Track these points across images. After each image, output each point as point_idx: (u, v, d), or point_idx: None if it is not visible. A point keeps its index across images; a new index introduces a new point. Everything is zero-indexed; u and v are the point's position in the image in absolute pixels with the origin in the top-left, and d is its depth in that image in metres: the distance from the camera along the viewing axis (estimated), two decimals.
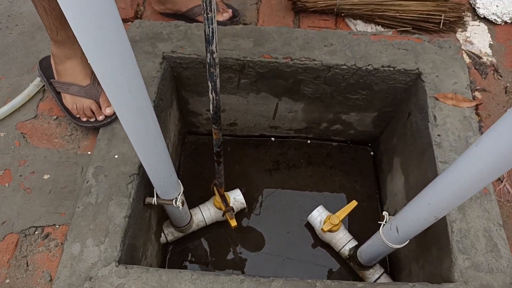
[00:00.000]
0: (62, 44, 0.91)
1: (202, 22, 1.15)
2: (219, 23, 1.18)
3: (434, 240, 0.98)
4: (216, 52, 0.64)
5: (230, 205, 1.28)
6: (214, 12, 0.57)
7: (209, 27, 0.59)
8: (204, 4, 0.56)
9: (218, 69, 0.68)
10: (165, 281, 0.79)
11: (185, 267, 1.29)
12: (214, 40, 0.62)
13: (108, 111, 0.97)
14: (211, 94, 0.73)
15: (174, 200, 0.94)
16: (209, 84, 0.71)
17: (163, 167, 0.80)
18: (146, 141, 0.69)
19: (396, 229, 0.89)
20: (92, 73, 1.00)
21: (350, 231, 1.37)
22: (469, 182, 0.60)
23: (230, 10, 1.21)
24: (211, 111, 0.78)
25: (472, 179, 0.60)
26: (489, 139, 0.55)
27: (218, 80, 0.70)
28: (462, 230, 0.89)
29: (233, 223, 1.24)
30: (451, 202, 0.67)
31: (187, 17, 1.18)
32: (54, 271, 0.82)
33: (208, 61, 0.65)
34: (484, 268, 0.86)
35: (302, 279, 0.82)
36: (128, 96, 0.56)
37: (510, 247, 0.92)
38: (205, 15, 0.57)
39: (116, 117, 1.00)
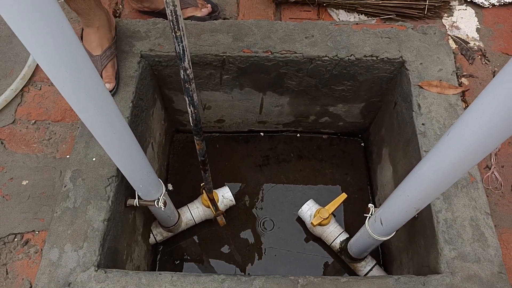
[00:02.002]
0: (79, 14, 0.96)
1: None
2: (198, 18, 1.16)
3: (421, 231, 0.96)
4: (190, 68, 0.63)
5: (219, 202, 1.26)
6: (182, 30, 0.56)
7: (179, 45, 0.58)
8: (171, 23, 0.54)
9: (193, 84, 0.67)
10: (145, 284, 0.78)
11: (177, 267, 1.29)
12: (186, 57, 0.60)
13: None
14: (189, 108, 0.72)
15: (156, 201, 0.93)
16: (186, 99, 0.69)
17: (138, 168, 0.79)
18: (115, 143, 0.67)
19: (380, 222, 0.87)
20: (108, 44, 1.02)
21: (343, 223, 1.36)
22: (443, 173, 0.58)
23: (209, 5, 1.18)
24: (191, 123, 0.77)
25: (446, 170, 0.58)
26: (459, 128, 0.53)
27: (194, 95, 0.69)
28: (447, 220, 0.88)
29: (222, 223, 1.23)
30: (428, 193, 0.66)
31: (165, 14, 1.16)
32: (34, 278, 0.81)
33: (182, 77, 0.64)
34: (471, 258, 0.84)
35: (284, 276, 0.81)
36: (85, 97, 0.54)
37: (498, 236, 0.90)
38: (173, 33, 0.56)
39: (113, 94, 1.01)
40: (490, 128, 0.48)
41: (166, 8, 0.52)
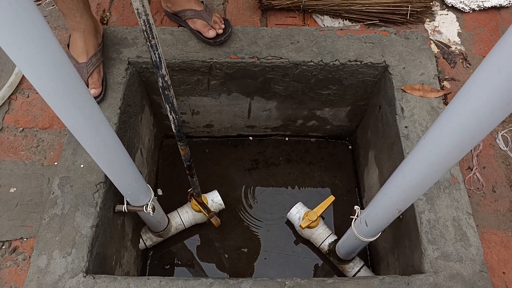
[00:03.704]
0: (65, 15, 0.96)
1: (189, 25, 1.12)
2: (202, 37, 1.10)
3: (405, 231, 0.98)
4: (167, 75, 0.64)
5: (208, 206, 1.27)
6: (156, 38, 0.56)
7: (154, 53, 0.59)
8: (145, 33, 0.55)
9: (172, 90, 0.68)
10: None
11: (167, 272, 1.29)
12: (162, 64, 0.61)
13: (91, 92, 0.99)
14: (170, 114, 0.73)
15: (144, 206, 0.94)
16: (166, 106, 0.70)
17: (126, 175, 0.80)
18: (102, 150, 0.68)
19: (366, 223, 0.89)
20: (93, 51, 1.01)
21: (331, 225, 1.38)
22: (421, 176, 0.60)
23: (222, 27, 1.11)
24: (174, 130, 0.78)
25: (423, 172, 0.60)
26: (434, 132, 0.55)
27: (174, 101, 0.70)
28: (430, 221, 0.90)
29: (217, 224, 1.23)
30: (408, 195, 0.67)
31: (180, 17, 1.15)
32: (22, 285, 0.81)
33: (161, 84, 0.65)
34: (453, 258, 0.86)
35: (272, 279, 0.82)
36: (71, 107, 0.55)
37: (480, 235, 0.92)
38: (148, 43, 0.57)
39: (100, 100, 1.02)
40: (462, 132, 0.50)
41: (138, 18, 0.53)
